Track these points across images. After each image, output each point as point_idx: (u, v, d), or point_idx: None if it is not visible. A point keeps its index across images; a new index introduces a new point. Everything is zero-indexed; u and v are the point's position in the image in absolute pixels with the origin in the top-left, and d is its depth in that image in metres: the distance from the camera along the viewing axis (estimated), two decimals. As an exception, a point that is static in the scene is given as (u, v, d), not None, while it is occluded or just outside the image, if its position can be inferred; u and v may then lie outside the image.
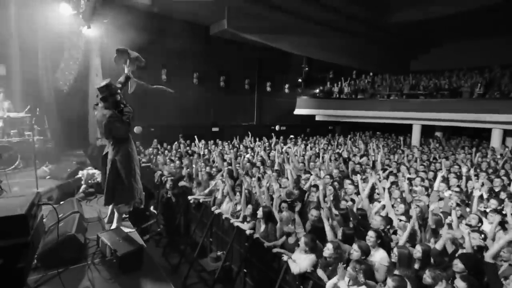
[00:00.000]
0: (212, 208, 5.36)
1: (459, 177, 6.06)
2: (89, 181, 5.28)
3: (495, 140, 11.68)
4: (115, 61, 3.93)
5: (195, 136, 10.64)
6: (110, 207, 3.88)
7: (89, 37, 8.64)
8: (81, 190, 5.39)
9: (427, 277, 2.71)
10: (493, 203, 4.66)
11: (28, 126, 7.62)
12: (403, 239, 3.55)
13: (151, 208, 6.28)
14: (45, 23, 8.13)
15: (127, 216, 4.06)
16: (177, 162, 7.53)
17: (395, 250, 3.16)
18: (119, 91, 3.56)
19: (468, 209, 4.69)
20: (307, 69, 17.89)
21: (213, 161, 8.06)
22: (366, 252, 3.21)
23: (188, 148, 10.26)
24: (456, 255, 3.13)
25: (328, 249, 3.28)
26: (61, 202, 4.53)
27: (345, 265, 2.94)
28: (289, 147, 9.65)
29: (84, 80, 9.04)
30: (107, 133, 3.48)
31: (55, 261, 2.90)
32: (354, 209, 4.52)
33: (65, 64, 8.67)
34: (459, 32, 14.77)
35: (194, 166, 7.01)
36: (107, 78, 3.55)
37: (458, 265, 2.91)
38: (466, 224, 3.87)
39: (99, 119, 3.50)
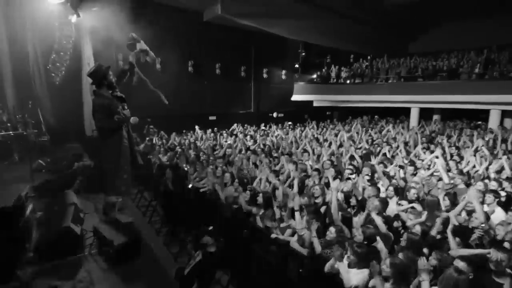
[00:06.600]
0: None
1: (461, 158, 6.07)
2: (85, 173, 5.25)
3: (493, 121, 11.62)
4: (127, 47, 4.18)
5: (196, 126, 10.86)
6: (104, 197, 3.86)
7: (79, 26, 8.41)
8: (77, 182, 5.37)
9: (433, 259, 2.71)
10: (493, 184, 4.64)
11: (22, 120, 7.53)
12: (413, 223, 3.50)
13: None
14: (32, 13, 7.90)
15: (124, 208, 4.05)
16: (171, 152, 7.48)
17: (404, 235, 3.15)
18: (110, 72, 3.54)
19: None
20: (304, 54, 17.60)
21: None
22: (370, 239, 3.14)
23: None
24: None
25: (331, 233, 3.27)
26: (57, 195, 4.50)
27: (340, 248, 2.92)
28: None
29: (77, 71, 8.84)
30: (95, 122, 3.49)
31: (51, 253, 2.88)
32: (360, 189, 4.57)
33: (56, 56, 8.46)
34: (458, 12, 14.48)
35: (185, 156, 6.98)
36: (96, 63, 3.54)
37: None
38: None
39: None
